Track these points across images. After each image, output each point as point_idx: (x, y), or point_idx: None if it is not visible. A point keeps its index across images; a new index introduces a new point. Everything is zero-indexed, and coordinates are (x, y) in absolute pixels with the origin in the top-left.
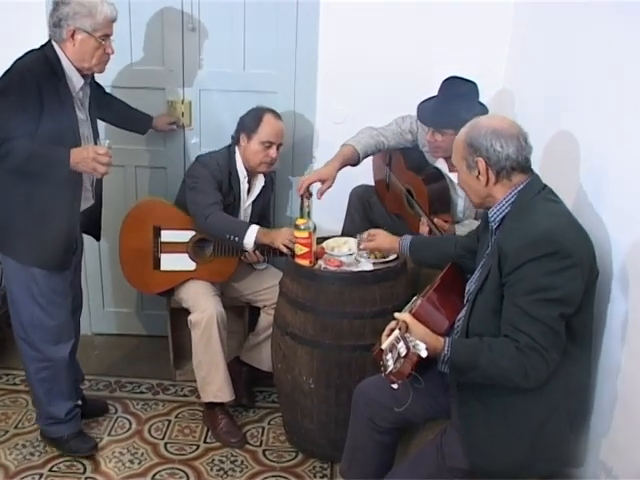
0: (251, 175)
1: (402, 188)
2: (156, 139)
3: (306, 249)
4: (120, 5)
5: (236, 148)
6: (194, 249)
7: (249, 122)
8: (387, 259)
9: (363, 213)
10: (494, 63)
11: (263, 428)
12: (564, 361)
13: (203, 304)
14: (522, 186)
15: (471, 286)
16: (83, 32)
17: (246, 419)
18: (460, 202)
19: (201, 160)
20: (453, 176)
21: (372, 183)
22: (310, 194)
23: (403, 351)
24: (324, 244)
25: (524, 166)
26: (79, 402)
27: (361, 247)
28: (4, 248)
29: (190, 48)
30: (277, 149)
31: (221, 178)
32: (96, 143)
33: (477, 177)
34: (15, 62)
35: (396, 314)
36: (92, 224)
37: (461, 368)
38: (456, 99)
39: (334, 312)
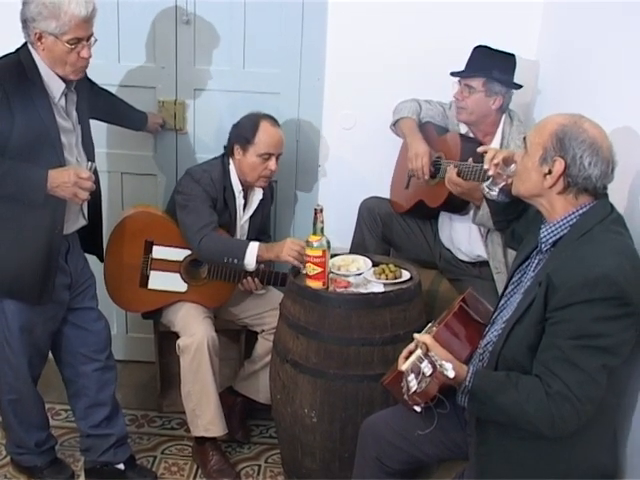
0: (247, 189)
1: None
2: (145, 143)
3: (319, 269)
4: None
5: (229, 160)
6: (187, 269)
7: (243, 131)
8: (399, 280)
9: (374, 228)
10: (520, 66)
11: (259, 466)
12: (599, 412)
13: (193, 328)
14: (586, 208)
15: (505, 307)
16: (49, 35)
17: (240, 456)
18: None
19: (193, 174)
20: None
21: (382, 195)
22: (322, 208)
23: (428, 370)
24: (330, 262)
25: (597, 192)
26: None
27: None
28: None
29: (184, 43)
30: (276, 160)
31: (215, 195)
32: (89, 160)
33: (545, 175)
34: None
35: (415, 335)
36: (91, 243)
37: (481, 403)
38: (491, 57)
39: (340, 338)
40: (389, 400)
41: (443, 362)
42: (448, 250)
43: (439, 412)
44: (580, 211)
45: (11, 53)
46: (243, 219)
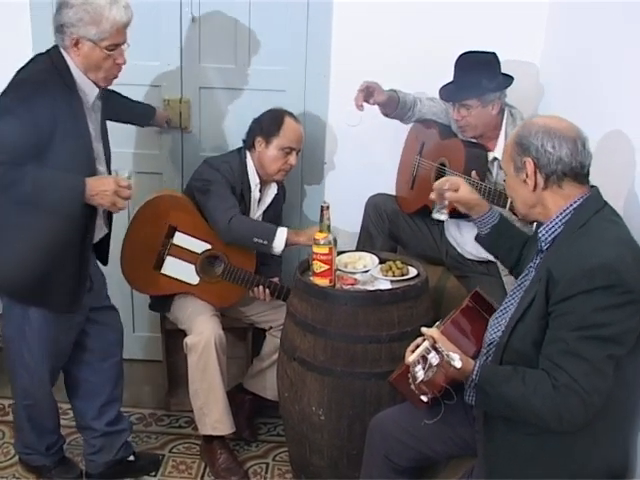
0: (263, 183)
1: (434, 165)
2: (151, 142)
3: (326, 266)
4: None
5: (247, 153)
6: (203, 264)
7: (267, 125)
8: (407, 276)
9: (381, 225)
10: (525, 66)
11: (267, 464)
12: (608, 407)
13: (200, 325)
14: (579, 202)
15: (509, 305)
16: (87, 41)
17: (248, 454)
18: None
19: (211, 163)
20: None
21: (389, 191)
22: (328, 205)
23: (435, 360)
24: (337, 259)
25: (578, 173)
26: (130, 457)
27: (447, 195)
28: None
29: (189, 41)
30: (296, 155)
31: (234, 184)
32: (109, 168)
33: (524, 181)
34: (20, 72)
35: (423, 329)
36: (100, 248)
37: (488, 397)
38: (475, 68)
39: (347, 335)
40: (397, 397)
41: (450, 353)
42: (454, 248)
43: (446, 403)
44: (574, 205)
45: (40, 55)
46: (257, 214)
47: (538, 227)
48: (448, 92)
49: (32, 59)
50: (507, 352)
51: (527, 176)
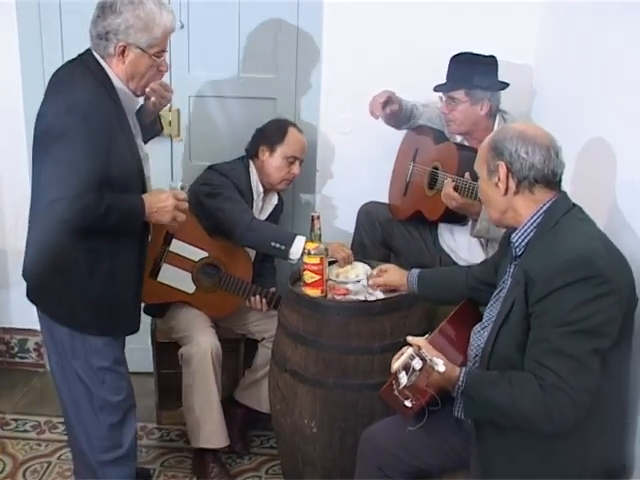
0: (266, 192)
1: (427, 169)
2: None
3: (317, 277)
4: None
5: (250, 162)
6: (199, 272)
7: (272, 134)
8: None
9: (373, 233)
10: (519, 67)
11: (260, 478)
12: (597, 404)
13: (197, 336)
14: (548, 204)
15: (490, 317)
16: (136, 49)
17: (241, 467)
18: None
19: (218, 169)
20: None
21: (381, 200)
22: (318, 215)
23: (418, 365)
24: (329, 269)
25: (550, 181)
26: None
27: (370, 283)
28: (58, 315)
29: (178, 49)
30: (299, 166)
31: (242, 189)
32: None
33: (496, 184)
34: (62, 86)
35: (409, 338)
36: None
37: (476, 405)
38: (468, 64)
39: (339, 346)
40: (390, 410)
41: (433, 357)
42: (448, 255)
43: (430, 409)
44: (544, 207)
45: (72, 62)
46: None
47: (509, 236)
48: (439, 86)
49: (67, 69)
50: (493, 360)
51: (499, 179)
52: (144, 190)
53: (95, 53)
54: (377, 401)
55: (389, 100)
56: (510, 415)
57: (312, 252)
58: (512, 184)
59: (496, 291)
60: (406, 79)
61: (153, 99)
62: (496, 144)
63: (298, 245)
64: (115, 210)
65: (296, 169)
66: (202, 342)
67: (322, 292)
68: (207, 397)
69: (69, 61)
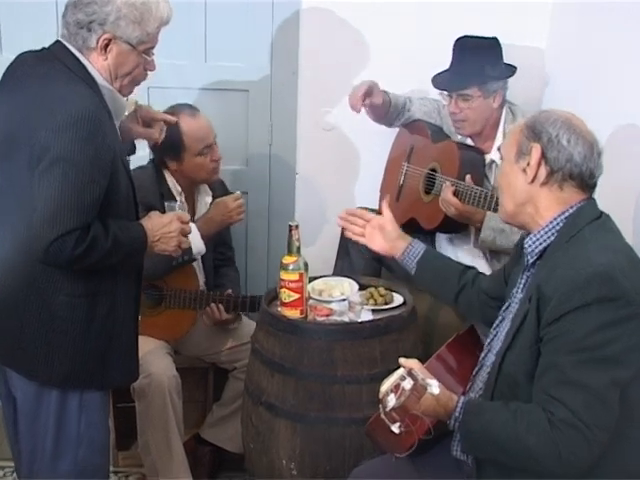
0: (190, 190)
1: (423, 171)
2: None
3: (296, 295)
4: None
5: (161, 167)
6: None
7: (169, 145)
8: (390, 305)
9: (360, 246)
10: (529, 50)
11: None
12: (615, 443)
13: (149, 366)
14: (574, 209)
15: (495, 339)
16: (124, 43)
17: None
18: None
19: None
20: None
21: (370, 205)
22: (297, 224)
23: (409, 385)
24: (310, 287)
25: (585, 181)
26: None
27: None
28: (50, 377)
29: None
30: (216, 145)
31: (152, 202)
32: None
33: (524, 169)
34: (50, 94)
35: (401, 360)
36: None
37: (475, 439)
38: (476, 52)
39: (322, 375)
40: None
41: (427, 378)
42: None
43: (422, 438)
44: (566, 213)
45: (33, 54)
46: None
47: (522, 240)
48: (444, 80)
49: (42, 66)
50: (497, 388)
51: (528, 164)
52: (137, 217)
53: (69, 45)
54: (366, 438)
55: (369, 91)
56: (514, 453)
57: (290, 267)
58: (542, 172)
59: (504, 305)
60: (402, 65)
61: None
62: (534, 124)
63: (195, 239)
64: (120, 242)
65: (215, 154)
66: (155, 372)
67: (302, 313)
68: (165, 435)
69: (32, 52)
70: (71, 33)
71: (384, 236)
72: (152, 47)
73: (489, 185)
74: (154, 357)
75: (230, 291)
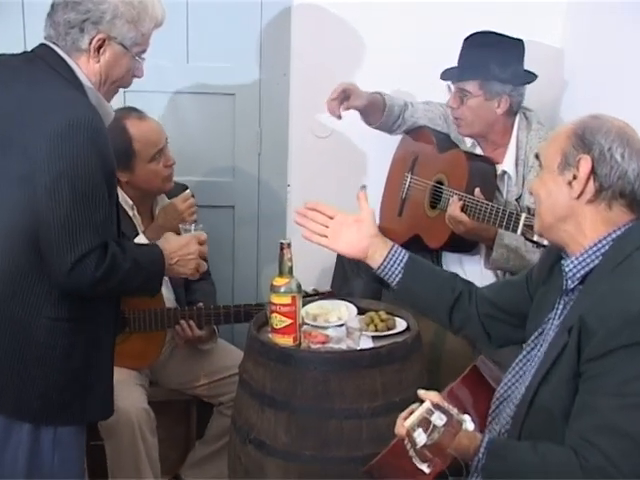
0: (144, 202)
1: (429, 184)
2: None
3: (289, 321)
4: None
5: None
6: None
7: (115, 151)
8: (393, 331)
9: (359, 265)
10: (545, 49)
11: None
12: None
13: (116, 400)
14: (621, 231)
15: (525, 370)
16: (118, 45)
17: None
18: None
19: None
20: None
21: None
22: (289, 242)
23: (440, 421)
24: (303, 311)
25: (636, 201)
26: None
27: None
28: (21, 410)
29: None
30: (167, 148)
31: None
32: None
33: (569, 183)
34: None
35: (420, 392)
36: None
37: None
38: (485, 47)
39: (317, 409)
40: None
41: (459, 413)
42: None
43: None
44: (613, 235)
45: (17, 57)
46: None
47: (558, 259)
48: (449, 72)
49: (29, 69)
50: (526, 426)
51: (575, 178)
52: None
53: (56, 47)
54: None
55: (346, 94)
56: None
57: (281, 290)
58: (590, 189)
59: (536, 332)
60: (398, 69)
61: None
62: (585, 132)
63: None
64: (139, 263)
65: (168, 158)
66: (122, 406)
67: (295, 340)
68: (137, 477)
69: (12, 55)
70: (59, 34)
71: (357, 232)
72: (144, 50)
73: (501, 199)
74: (122, 389)
75: (201, 304)
